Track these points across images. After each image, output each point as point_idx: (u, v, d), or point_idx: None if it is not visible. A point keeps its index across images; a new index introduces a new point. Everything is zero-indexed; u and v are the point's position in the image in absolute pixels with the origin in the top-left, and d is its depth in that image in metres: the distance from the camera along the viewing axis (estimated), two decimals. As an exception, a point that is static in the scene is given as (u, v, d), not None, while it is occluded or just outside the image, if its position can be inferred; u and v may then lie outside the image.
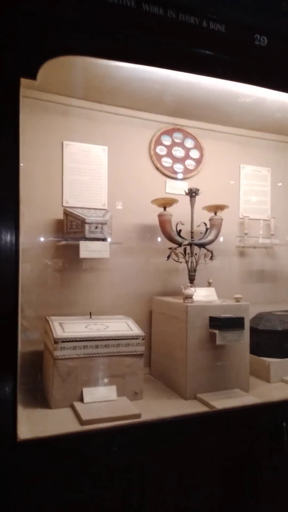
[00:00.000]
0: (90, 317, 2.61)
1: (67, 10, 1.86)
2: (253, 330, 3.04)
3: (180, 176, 3.25)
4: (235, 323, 2.48)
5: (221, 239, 3.31)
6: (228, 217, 3.36)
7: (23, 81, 1.80)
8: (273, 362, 2.86)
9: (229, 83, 2.35)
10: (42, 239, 2.76)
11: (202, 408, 2.32)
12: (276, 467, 2.25)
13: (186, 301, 2.59)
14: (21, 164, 1.76)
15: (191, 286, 2.91)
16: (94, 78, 2.60)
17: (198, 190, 2.99)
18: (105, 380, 2.33)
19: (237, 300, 2.75)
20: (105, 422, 2.01)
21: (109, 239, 2.74)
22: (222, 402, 2.35)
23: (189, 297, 2.60)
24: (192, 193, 2.98)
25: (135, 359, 2.42)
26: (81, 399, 2.25)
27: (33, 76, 1.83)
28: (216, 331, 2.44)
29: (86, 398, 2.23)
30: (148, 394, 2.52)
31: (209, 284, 2.97)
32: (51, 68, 2.28)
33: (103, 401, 2.24)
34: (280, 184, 3.64)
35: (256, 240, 3.41)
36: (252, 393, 2.62)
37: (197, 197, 3.04)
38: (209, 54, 2.12)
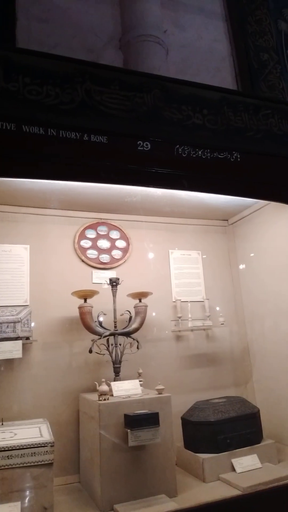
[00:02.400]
0: (2, 424, 2.48)
1: None
2: (187, 422, 2.90)
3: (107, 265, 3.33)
4: (149, 420, 2.35)
5: (154, 324, 3.30)
6: (162, 301, 3.39)
7: None
8: (207, 458, 2.66)
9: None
10: None
11: (114, 523, 2.12)
12: None
13: (100, 398, 2.49)
14: None
15: (115, 379, 2.83)
16: (7, 185, 2.79)
17: (119, 279, 3.05)
18: (8, 496, 2.15)
19: (159, 392, 2.64)
20: None
21: (27, 337, 2.73)
22: (137, 513, 2.16)
23: (104, 393, 2.50)
24: (113, 283, 3.03)
25: (43, 470, 2.23)
26: (-22, 522, 2.05)
27: None
28: (128, 431, 2.31)
29: (-18, 521, 2.04)
30: (62, 507, 2.32)
31: (139, 375, 2.88)
32: None
33: (1, 523, 2.05)
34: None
35: (187, 323, 3.38)
36: (181, 497, 2.41)
37: (127, 284, 3.09)
38: (92, 163, 2.29)
